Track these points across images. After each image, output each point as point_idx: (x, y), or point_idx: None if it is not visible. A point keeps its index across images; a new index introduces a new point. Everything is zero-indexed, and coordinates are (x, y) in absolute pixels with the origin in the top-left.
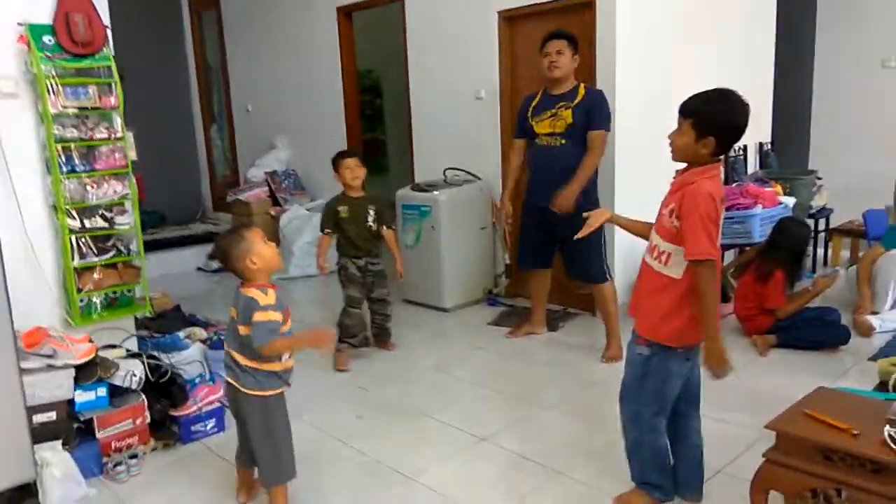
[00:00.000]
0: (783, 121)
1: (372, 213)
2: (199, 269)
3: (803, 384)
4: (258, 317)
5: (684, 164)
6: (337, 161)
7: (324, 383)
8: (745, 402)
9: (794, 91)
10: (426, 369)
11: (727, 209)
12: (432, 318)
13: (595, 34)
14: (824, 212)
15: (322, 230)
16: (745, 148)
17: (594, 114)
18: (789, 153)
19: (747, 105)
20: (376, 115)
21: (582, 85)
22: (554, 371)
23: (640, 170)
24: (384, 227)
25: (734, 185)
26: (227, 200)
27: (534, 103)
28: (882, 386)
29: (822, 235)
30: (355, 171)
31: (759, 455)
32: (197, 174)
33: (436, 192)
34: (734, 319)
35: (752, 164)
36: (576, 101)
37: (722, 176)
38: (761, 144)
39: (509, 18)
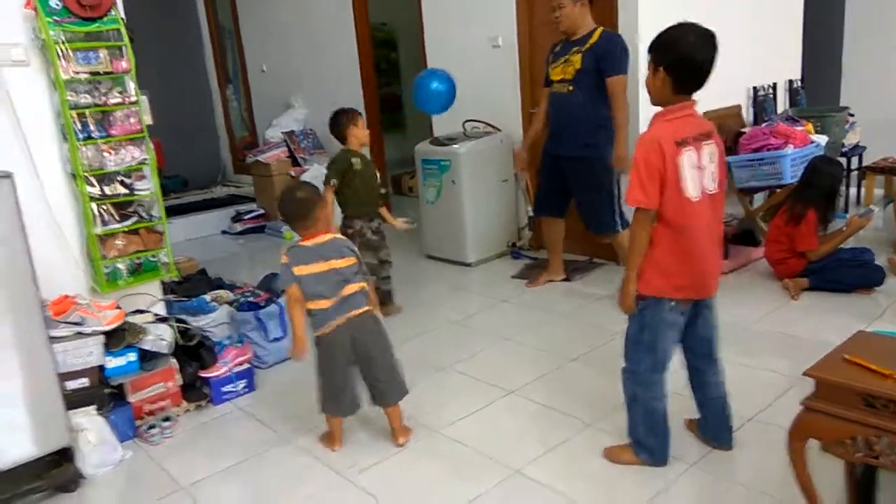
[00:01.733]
0: (813, 56)
1: (378, 176)
2: (224, 231)
3: (838, 327)
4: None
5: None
6: (354, 117)
7: None
8: (778, 347)
9: (825, 25)
10: (450, 323)
11: (757, 150)
12: (455, 273)
13: None
14: (857, 149)
15: (328, 181)
16: (773, 85)
17: (606, 59)
18: (820, 90)
19: (704, 35)
20: (392, 69)
21: (599, 29)
22: (578, 322)
23: None
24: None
25: (763, 124)
26: (246, 162)
27: (555, 50)
28: None
29: (854, 174)
30: (364, 129)
31: (793, 402)
32: (216, 137)
33: (455, 146)
34: (764, 264)
35: (782, 103)
36: (587, 46)
37: (695, 116)
38: (790, 81)
39: None
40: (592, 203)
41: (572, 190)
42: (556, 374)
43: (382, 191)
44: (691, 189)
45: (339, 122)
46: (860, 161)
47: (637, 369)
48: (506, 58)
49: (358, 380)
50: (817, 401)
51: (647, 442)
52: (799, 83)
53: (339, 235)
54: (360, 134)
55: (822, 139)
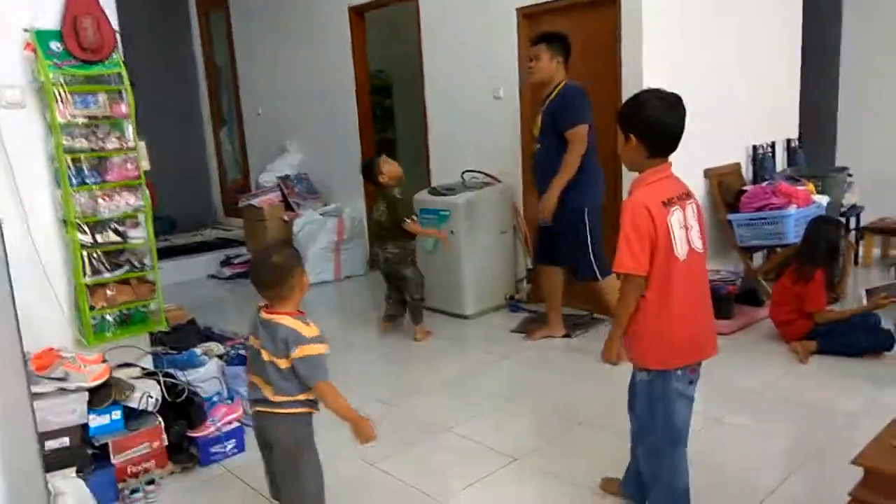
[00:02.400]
0: (809, 115)
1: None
2: (212, 276)
3: (853, 395)
4: (304, 350)
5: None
6: (378, 162)
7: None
8: (791, 413)
9: (820, 87)
10: (451, 381)
11: (759, 209)
12: (453, 326)
13: (619, 30)
14: (855, 209)
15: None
16: (773, 145)
17: (560, 114)
18: (816, 150)
19: (669, 100)
20: (386, 116)
21: (561, 84)
22: (582, 382)
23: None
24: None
25: (765, 183)
26: (238, 206)
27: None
28: None
29: (853, 234)
30: (393, 167)
31: (813, 475)
32: (207, 179)
33: (454, 196)
34: (769, 325)
35: (781, 161)
36: (547, 104)
37: (672, 178)
38: (789, 141)
39: (528, 16)
40: (570, 252)
41: (555, 241)
42: (563, 438)
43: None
44: (680, 249)
45: (372, 168)
46: (858, 221)
47: (656, 445)
48: (507, 109)
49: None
50: (868, 492)
51: None
52: (797, 142)
53: (291, 324)
54: (394, 170)
55: (824, 199)
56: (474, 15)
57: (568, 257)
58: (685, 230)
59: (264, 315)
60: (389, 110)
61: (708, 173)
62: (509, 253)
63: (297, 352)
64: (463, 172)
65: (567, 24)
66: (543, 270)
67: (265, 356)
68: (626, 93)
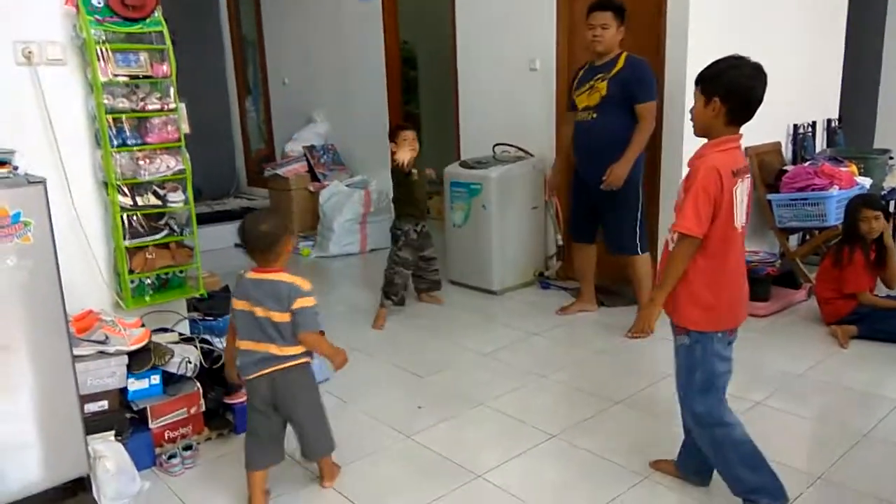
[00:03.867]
0: (849, 97)
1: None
2: (237, 245)
3: (892, 381)
4: (304, 302)
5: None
6: (398, 132)
7: (373, 368)
8: (832, 398)
9: (862, 67)
10: (482, 356)
11: (801, 189)
12: (482, 301)
13: (665, 4)
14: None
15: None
16: (813, 124)
17: (634, 86)
18: (855, 131)
19: (755, 67)
20: (410, 88)
21: (623, 54)
22: (617, 361)
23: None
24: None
25: (806, 164)
26: (263, 175)
27: (579, 75)
28: None
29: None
30: (414, 143)
31: (860, 460)
32: (231, 148)
33: (487, 170)
34: (807, 307)
35: (820, 143)
36: (613, 72)
37: (741, 149)
38: (829, 121)
39: None
40: (617, 224)
41: (599, 213)
42: (600, 417)
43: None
44: (738, 220)
45: (394, 135)
46: None
47: (702, 413)
48: (542, 81)
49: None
50: None
51: (758, 483)
52: (837, 122)
53: (289, 279)
54: (400, 146)
55: (867, 181)
56: None
57: (614, 229)
58: (743, 203)
59: (255, 275)
60: (414, 82)
61: (748, 152)
62: (540, 229)
63: (297, 303)
64: (494, 146)
65: None
66: (579, 248)
67: (261, 313)
68: (671, 69)
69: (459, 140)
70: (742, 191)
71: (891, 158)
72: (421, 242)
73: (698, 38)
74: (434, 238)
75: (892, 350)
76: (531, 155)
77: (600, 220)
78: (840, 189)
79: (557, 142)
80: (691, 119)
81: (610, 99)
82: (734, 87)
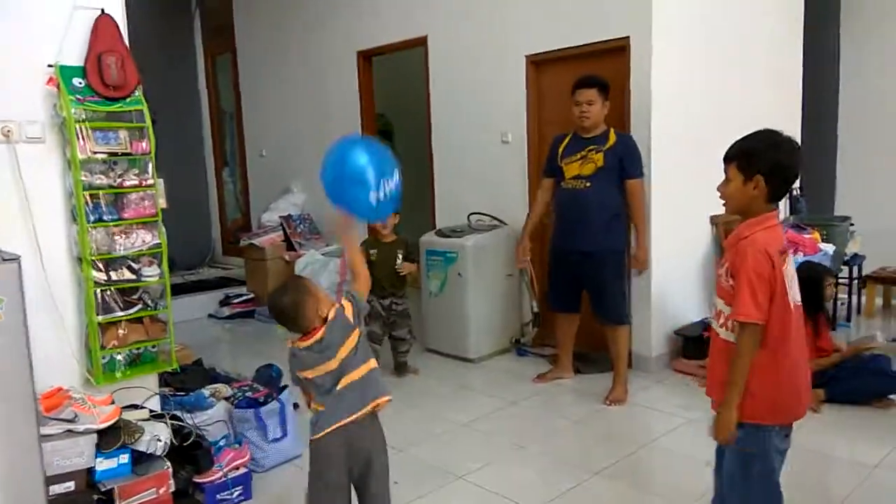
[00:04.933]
0: (808, 164)
1: (400, 256)
2: (211, 315)
3: (867, 445)
4: (344, 303)
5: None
6: None
7: None
8: (810, 463)
9: (819, 133)
10: (460, 427)
11: None
12: (458, 369)
13: (629, 78)
14: (857, 259)
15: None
16: None
17: (629, 161)
18: (816, 198)
19: (793, 142)
20: None
21: (612, 130)
22: (595, 430)
23: (678, 213)
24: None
25: None
26: (239, 244)
27: (564, 144)
28: None
29: (855, 284)
30: (387, 220)
31: None
32: (207, 218)
33: (462, 238)
34: None
35: (783, 210)
36: (608, 146)
37: (778, 224)
38: (791, 189)
39: (537, 62)
40: (607, 293)
41: (585, 283)
42: (580, 490)
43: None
44: (793, 298)
45: None
46: (860, 270)
47: None
48: (514, 153)
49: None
50: None
51: None
52: (799, 190)
53: (329, 318)
54: (376, 225)
55: (830, 248)
56: (483, 61)
57: (605, 299)
58: (795, 280)
59: (306, 342)
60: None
61: (714, 220)
62: (515, 296)
63: (344, 304)
64: (469, 215)
65: (575, 72)
66: (563, 317)
67: (343, 353)
68: (637, 140)
69: (435, 209)
70: (791, 268)
71: (851, 225)
72: (393, 319)
73: (662, 111)
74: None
75: (860, 412)
76: (505, 224)
77: (585, 289)
78: (805, 255)
79: (531, 207)
80: (721, 197)
81: (606, 170)
82: (777, 165)
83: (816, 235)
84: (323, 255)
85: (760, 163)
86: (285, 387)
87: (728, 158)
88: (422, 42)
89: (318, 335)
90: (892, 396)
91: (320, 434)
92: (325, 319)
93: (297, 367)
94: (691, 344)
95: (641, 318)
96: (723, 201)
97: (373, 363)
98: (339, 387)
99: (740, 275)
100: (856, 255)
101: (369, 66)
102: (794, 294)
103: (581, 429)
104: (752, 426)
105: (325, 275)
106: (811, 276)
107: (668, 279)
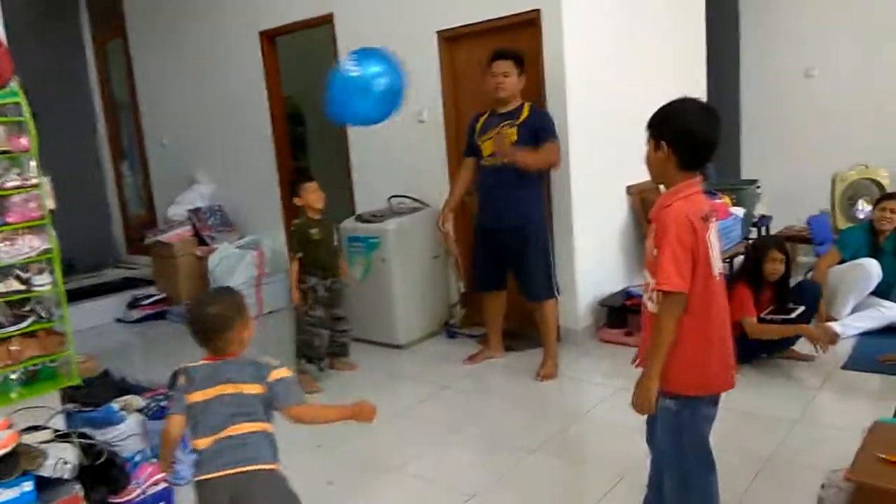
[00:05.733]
0: None
1: (336, 234)
2: (119, 320)
3: (785, 400)
4: (281, 373)
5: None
6: (298, 186)
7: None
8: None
9: (723, 103)
10: (393, 416)
11: None
12: (387, 357)
13: (542, 51)
14: (765, 220)
15: (294, 253)
16: None
17: (542, 130)
18: (723, 162)
19: (706, 110)
20: (298, 143)
21: (526, 104)
22: (528, 406)
23: (595, 184)
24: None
25: None
26: (144, 242)
27: (481, 121)
28: None
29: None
30: (319, 193)
31: (771, 481)
32: (107, 215)
33: (384, 222)
34: None
35: None
36: (520, 119)
37: (700, 191)
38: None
39: (450, 38)
40: (532, 271)
41: (509, 260)
42: (518, 470)
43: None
44: (716, 266)
45: (293, 192)
46: (768, 231)
47: (688, 478)
48: (432, 132)
49: None
50: None
51: None
52: None
53: (267, 359)
54: (311, 200)
55: (741, 211)
56: (393, 38)
57: (529, 276)
58: (717, 249)
59: (208, 361)
60: (301, 137)
61: (630, 190)
62: (441, 278)
63: (274, 374)
64: (390, 198)
65: (489, 47)
66: (490, 296)
67: (231, 390)
68: (552, 113)
69: (354, 194)
70: (714, 236)
71: (758, 188)
72: (331, 299)
73: (576, 83)
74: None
75: (775, 371)
76: (427, 205)
77: (509, 267)
78: (718, 220)
79: (452, 185)
80: (647, 165)
81: (520, 145)
82: (680, 131)
83: (727, 200)
84: (238, 247)
85: (666, 129)
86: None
87: (647, 128)
88: (328, 20)
89: (237, 359)
90: (794, 347)
91: (202, 477)
92: (243, 343)
93: (187, 390)
94: (615, 314)
95: (567, 291)
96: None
97: (269, 427)
98: (222, 434)
99: (663, 244)
100: (763, 216)
101: (273, 47)
102: (717, 262)
103: (515, 407)
104: (684, 398)
105: (241, 268)
106: (754, 247)
107: (589, 251)
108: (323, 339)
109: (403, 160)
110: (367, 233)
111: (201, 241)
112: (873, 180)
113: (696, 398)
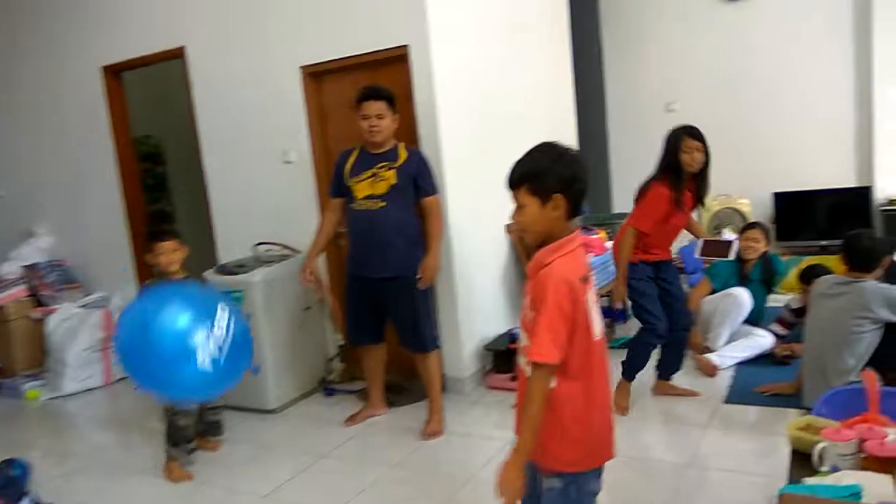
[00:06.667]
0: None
1: None
2: None
3: (674, 443)
4: None
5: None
6: (150, 244)
7: None
8: (627, 476)
9: (591, 135)
10: (261, 499)
11: None
12: (257, 425)
13: (412, 88)
14: None
15: None
16: None
17: (422, 179)
18: (595, 196)
19: (575, 152)
20: (159, 185)
21: (402, 145)
22: (415, 471)
23: (473, 225)
24: None
25: None
26: None
27: (350, 161)
28: (796, 455)
29: None
30: (172, 255)
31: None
32: None
33: (248, 274)
34: None
35: None
36: (399, 163)
37: (580, 244)
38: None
39: (315, 74)
40: (413, 322)
41: (387, 311)
42: None
43: None
44: (596, 329)
45: (145, 248)
46: None
47: None
48: (299, 173)
49: None
50: None
51: None
52: None
53: None
54: (160, 262)
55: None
56: (252, 73)
57: (410, 327)
58: (596, 308)
59: None
60: (162, 178)
61: (509, 228)
62: (317, 330)
63: None
64: (255, 245)
65: (356, 83)
66: (367, 350)
67: None
68: (426, 150)
69: (216, 242)
70: (592, 296)
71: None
72: None
73: (449, 119)
74: None
75: (662, 409)
76: (297, 252)
77: (387, 316)
78: (595, 256)
79: (317, 230)
80: (518, 229)
81: (399, 189)
82: (572, 178)
83: (603, 234)
84: (81, 307)
85: (553, 179)
86: (27, 493)
87: (514, 184)
88: (178, 54)
89: None
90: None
91: None
92: None
93: None
94: (501, 357)
95: (450, 339)
96: (520, 232)
97: None
98: None
99: (541, 310)
100: None
101: (118, 83)
102: (598, 324)
103: (401, 474)
104: (569, 475)
105: (85, 330)
106: (668, 139)
107: (471, 293)
108: (189, 419)
109: (270, 204)
110: (230, 285)
111: (39, 302)
112: (735, 210)
113: (584, 475)
